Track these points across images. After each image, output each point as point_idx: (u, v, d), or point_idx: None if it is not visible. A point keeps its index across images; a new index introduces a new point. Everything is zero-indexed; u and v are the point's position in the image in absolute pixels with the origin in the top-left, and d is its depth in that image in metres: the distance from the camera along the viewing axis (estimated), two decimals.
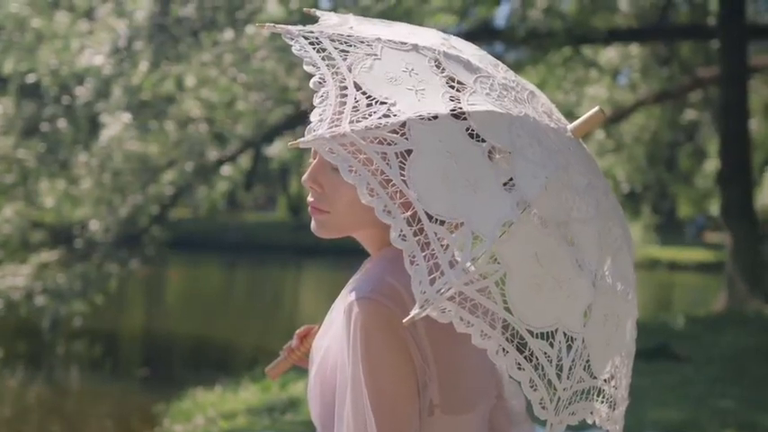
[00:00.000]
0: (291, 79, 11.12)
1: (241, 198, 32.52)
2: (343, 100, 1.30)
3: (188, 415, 7.24)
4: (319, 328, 1.62)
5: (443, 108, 1.29)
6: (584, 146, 1.46)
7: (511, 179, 1.28)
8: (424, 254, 1.22)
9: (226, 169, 12.48)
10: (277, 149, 15.15)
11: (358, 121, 1.27)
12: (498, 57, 13.70)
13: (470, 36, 12.41)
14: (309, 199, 1.44)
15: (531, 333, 1.27)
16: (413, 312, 1.21)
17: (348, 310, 1.35)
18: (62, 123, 10.87)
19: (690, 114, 19.57)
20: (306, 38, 1.37)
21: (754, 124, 18.39)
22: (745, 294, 11.53)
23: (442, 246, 1.23)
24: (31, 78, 10.67)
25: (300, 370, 1.75)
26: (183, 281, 21.88)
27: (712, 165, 21.31)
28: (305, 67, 1.33)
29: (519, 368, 1.27)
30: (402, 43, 1.39)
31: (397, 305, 1.34)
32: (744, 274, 11.67)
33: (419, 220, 1.23)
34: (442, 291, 1.21)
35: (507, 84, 1.40)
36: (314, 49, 1.35)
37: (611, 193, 1.46)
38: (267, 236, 31.51)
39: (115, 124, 10.64)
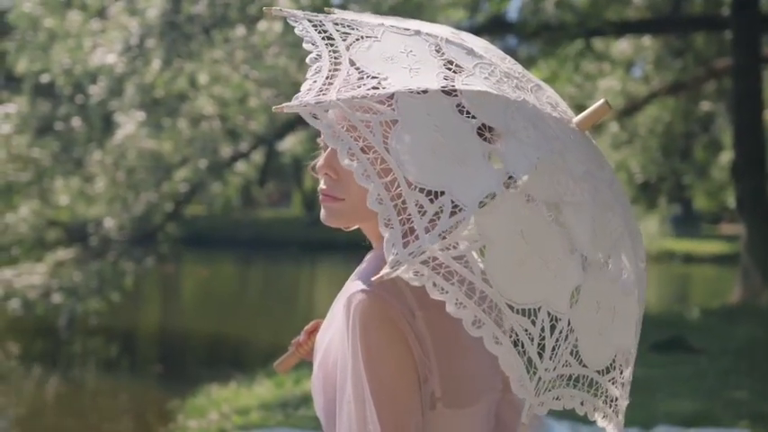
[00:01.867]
0: (303, 75, 11.07)
1: (255, 194, 32.58)
2: (334, 73, 1.31)
3: (202, 411, 7.27)
4: None
5: (435, 84, 1.29)
6: (589, 138, 1.45)
7: (499, 157, 1.27)
8: (400, 218, 1.22)
9: (239, 166, 12.51)
10: (290, 145, 15.16)
11: (346, 91, 1.28)
12: (511, 50, 13.69)
13: (482, 30, 12.41)
14: (322, 186, 1.43)
15: (511, 308, 1.25)
16: (383, 272, 1.20)
17: (347, 304, 1.36)
18: (76, 122, 10.93)
19: (704, 106, 19.47)
20: (309, 21, 1.39)
21: None
22: (760, 286, 11.48)
23: (419, 212, 1.22)
24: (44, 78, 10.74)
25: (313, 365, 1.75)
26: (198, 277, 21.96)
27: (728, 156, 21.19)
28: (304, 46, 1.35)
29: (496, 342, 1.24)
30: (405, 29, 1.40)
31: (395, 297, 1.34)
32: (758, 266, 11.62)
33: (398, 186, 1.23)
34: (415, 254, 1.20)
35: (511, 73, 1.40)
36: (316, 30, 1.37)
37: (617, 187, 1.43)
38: (281, 232, 31.55)
39: (129, 122, 10.69)
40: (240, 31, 10.78)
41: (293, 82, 11.35)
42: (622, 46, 15.57)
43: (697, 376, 7.06)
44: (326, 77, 1.31)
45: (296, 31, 1.38)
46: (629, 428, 5.43)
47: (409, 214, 1.22)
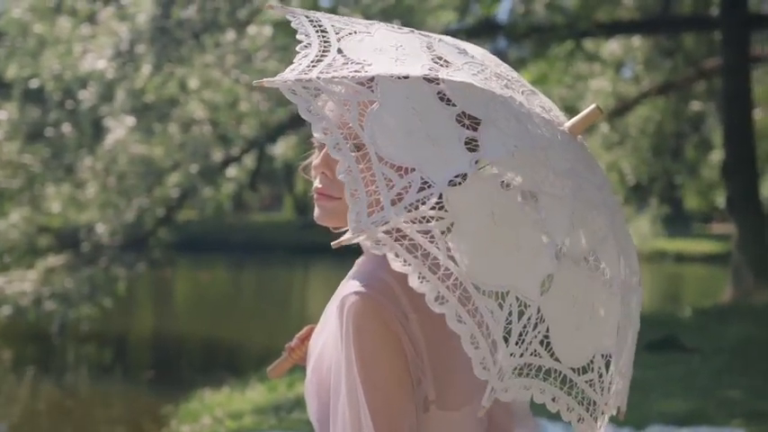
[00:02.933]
0: None
1: (247, 199, 32.55)
2: (321, 59, 1.33)
3: (195, 416, 7.26)
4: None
5: (418, 72, 1.31)
6: (581, 143, 1.45)
7: (475, 141, 1.27)
8: (367, 189, 1.22)
9: (231, 171, 12.50)
10: (281, 149, 15.16)
11: (327, 73, 1.30)
12: (501, 53, 13.70)
13: (472, 32, 12.42)
14: (317, 185, 1.44)
15: (477, 288, 1.23)
16: (343, 238, 1.20)
17: (341, 306, 1.35)
18: (66, 128, 10.91)
19: (694, 105, 19.52)
20: (307, 17, 1.41)
21: (759, 114, 18.36)
22: (752, 285, 11.51)
23: (387, 185, 1.22)
24: (34, 83, 10.72)
25: (306, 370, 1.75)
26: (189, 282, 21.93)
27: (718, 155, 21.25)
28: (298, 36, 1.37)
29: (459, 320, 1.22)
30: (400, 28, 1.43)
31: (389, 299, 1.34)
32: (750, 264, 11.65)
33: (369, 161, 1.24)
34: (377, 222, 1.20)
35: (502, 75, 1.41)
36: (311, 24, 1.40)
37: (607, 192, 1.42)
38: (273, 236, 31.52)
39: (119, 128, 10.68)
40: (230, 35, 10.78)
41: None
42: (612, 47, 15.61)
43: (690, 375, 7.08)
44: (312, 61, 1.33)
45: (292, 24, 1.40)
46: (621, 428, 5.43)
47: (377, 186, 1.23)
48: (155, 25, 10.46)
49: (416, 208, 1.21)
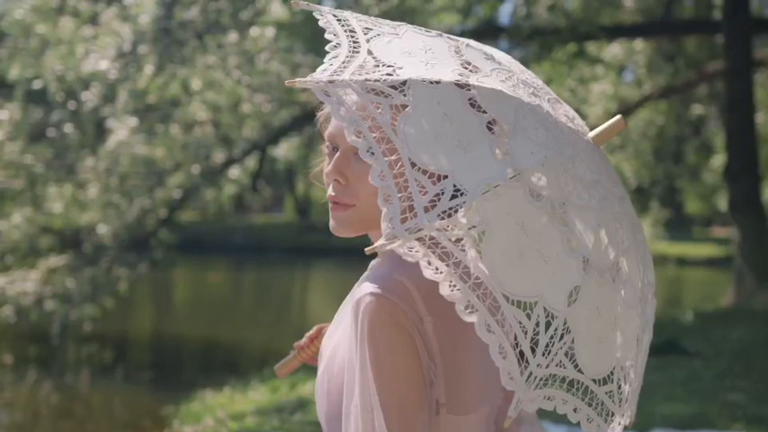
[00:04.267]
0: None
1: (248, 200, 32.58)
2: (351, 60, 1.33)
3: (197, 416, 7.26)
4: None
5: (449, 77, 1.30)
6: (604, 155, 1.45)
7: (506, 149, 1.27)
8: (400, 195, 1.22)
9: (232, 171, 12.51)
10: (283, 151, 15.16)
11: (359, 75, 1.29)
12: None
13: (474, 34, 12.42)
14: (330, 193, 1.43)
15: (506, 298, 1.23)
16: (377, 243, 1.20)
17: (356, 307, 1.35)
18: (69, 128, 10.91)
19: (696, 109, 19.53)
20: (334, 15, 1.41)
21: (761, 118, 18.35)
22: (754, 289, 11.50)
23: (420, 191, 1.22)
24: (37, 84, 10.72)
25: (309, 370, 1.75)
26: (191, 283, 21.93)
27: (720, 159, 21.25)
28: (326, 36, 1.36)
29: (488, 330, 1.22)
30: (427, 31, 1.42)
31: (404, 302, 1.33)
32: (752, 268, 11.64)
33: (402, 166, 1.23)
34: (411, 230, 1.19)
35: (529, 82, 1.41)
36: (339, 23, 1.39)
37: (628, 205, 1.43)
38: (274, 237, 31.55)
39: (121, 128, 10.68)
40: (233, 36, 10.79)
41: (286, 87, 11.35)
42: (614, 50, 15.61)
43: (692, 379, 7.07)
44: (342, 62, 1.32)
45: (320, 23, 1.39)
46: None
47: (410, 193, 1.22)
48: (157, 26, 10.47)
49: (449, 216, 1.20)
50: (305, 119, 11.95)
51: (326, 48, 1.34)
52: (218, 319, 15.31)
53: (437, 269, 1.21)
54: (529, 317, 1.25)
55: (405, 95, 1.27)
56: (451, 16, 13.00)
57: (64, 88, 10.63)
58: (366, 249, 1.22)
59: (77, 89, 10.64)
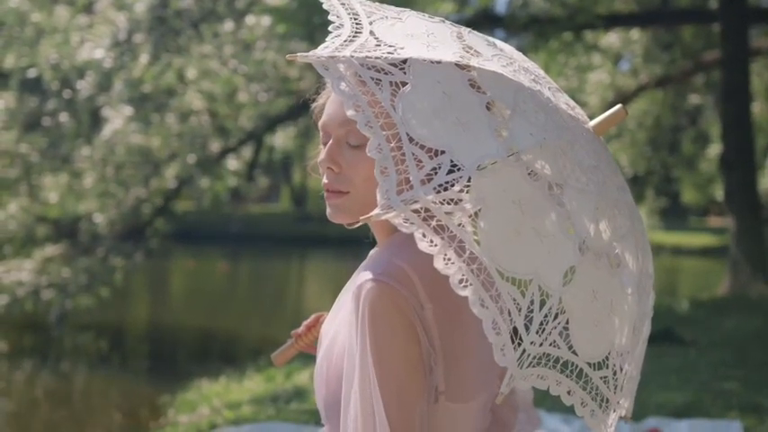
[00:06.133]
0: (292, 69, 11.13)
1: (244, 189, 32.57)
2: (353, 39, 1.35)
3: (193, 405, 7.26)
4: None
5: (450, 58, 1.32)
6: (604, 144, 1.45)
7: (504, 129, 1.28)
8: (396, 168, 1.23)
9: (230, 162, 12.50)
10: (279, 140, 15.15)
11: (360, 52, 1.31)
12: None
13: (471, 24, 12.39)
14: (324, 181, 1.43)
15: (500, 275, 1.23)
16: (372, 212, 1.20)
17: (356, 293, 1.35)
18: (64, 117, 10.89)
19: (692, 99, 19.52)
20: (339, 0, 1.43)
21: (757, 107, 18.36)
22: (749, 278, 11.53)
23: (417, 165, 1.23)
24: (32, 73, 10.69)
25: (305, 359, 1.76)
26: (186, 273, 21.93)
27: (716, 149, 21.27)
28: (329, 17, 1.38)
29: (482, 305, 1.22)
30: (430, 17, 1.44)
31: (405, 288, 1.33)
32: (747, 258, 11.67)
33: (399, 140, 1.24)
34: (407, 201, 1.21)
35: (530, 69, 1.43)
36: (343, 6, 1.41)
37: (627, 195, 1.43)
38: (271, 227, 31.56)
39: (117, 118, 10.66)
40: (228, 25, 10.76)
41: (282, 76, 11.34)
42: (611, 39, 15.59)
43: (687, 368, 7.09)
44: (344, 40, 1.34)
45: (324, 5, 1.41)
46: (618, 420, 5.44)
47: (406, 166, 1.23)
48: (153, 15, 10.44)
49: (445, 189, 1.21)
50: (301, 108, 11.93)
51: (329, 28, 1.36)
52: (213, 308, 15.32)
53: (432, 242, 1.21)
54: (523, 294, 1.25)
55: (405, 73, 1.28)
56: (448, 5, 12.98)
57: (59, 77, 10.60)
58: (361, 217, 1.23)
59: (72, 78, 10.62)
